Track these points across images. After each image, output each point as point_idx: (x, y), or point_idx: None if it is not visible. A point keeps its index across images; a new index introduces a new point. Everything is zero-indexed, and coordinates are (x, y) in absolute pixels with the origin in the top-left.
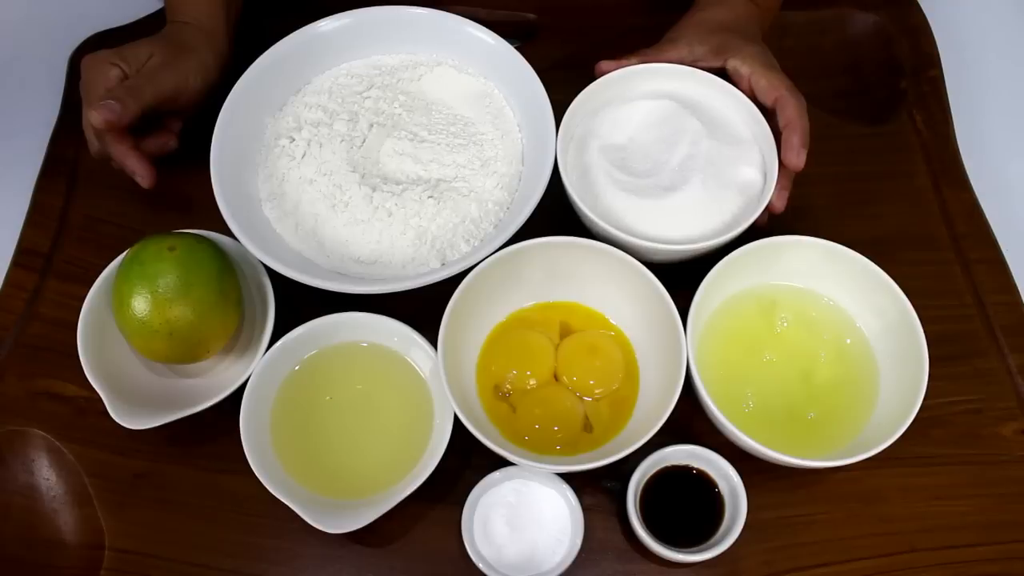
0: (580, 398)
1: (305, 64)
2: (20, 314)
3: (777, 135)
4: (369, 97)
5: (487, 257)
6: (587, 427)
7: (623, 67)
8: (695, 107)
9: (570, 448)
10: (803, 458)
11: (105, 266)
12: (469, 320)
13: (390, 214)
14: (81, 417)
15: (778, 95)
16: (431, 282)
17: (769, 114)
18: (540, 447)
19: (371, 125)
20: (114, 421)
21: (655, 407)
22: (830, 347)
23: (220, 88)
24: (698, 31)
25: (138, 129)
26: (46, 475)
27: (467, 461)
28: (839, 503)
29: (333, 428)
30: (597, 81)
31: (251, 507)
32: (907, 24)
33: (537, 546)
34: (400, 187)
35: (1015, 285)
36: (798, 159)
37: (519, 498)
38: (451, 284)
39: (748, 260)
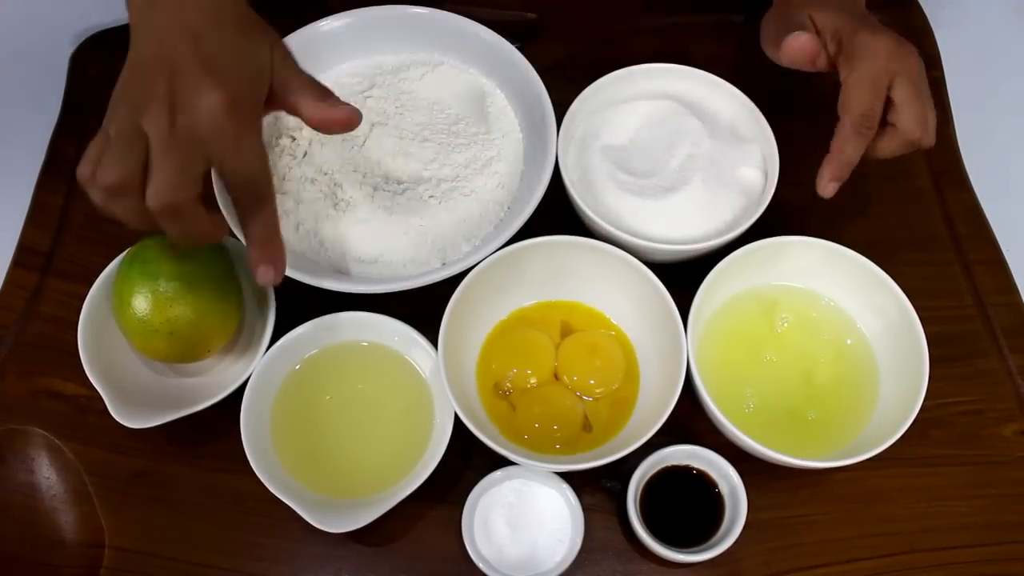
0: (580, 397)
1: (305, 64)
2: (20, 313)
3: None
4: (370, 97)
5: (488, 256)
6: (587, 427)
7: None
8: (696, 107)
9: (569, 447)
10: (803, 458)
11: (106, 265)
12: (469, 319)
13: (391, 214)
14: (81, 416)
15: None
16: (432, 282)
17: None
18: (539, 446)
19: (372, 125)
20: (114, 420)
21: (655, 407)
22: (830, 347)
23: None
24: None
25: None
26: (46, 473)
27: (467, 461)
28: (839, 503)
29: (333, 427)
30: (598, 81)
31: (251, 506)
32: (908, 24)
33: (537, 546)
34: (401, 187)
35: (1015, 286)
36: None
37: (519, 498)
38: (451, 283)
39: (749, 260)
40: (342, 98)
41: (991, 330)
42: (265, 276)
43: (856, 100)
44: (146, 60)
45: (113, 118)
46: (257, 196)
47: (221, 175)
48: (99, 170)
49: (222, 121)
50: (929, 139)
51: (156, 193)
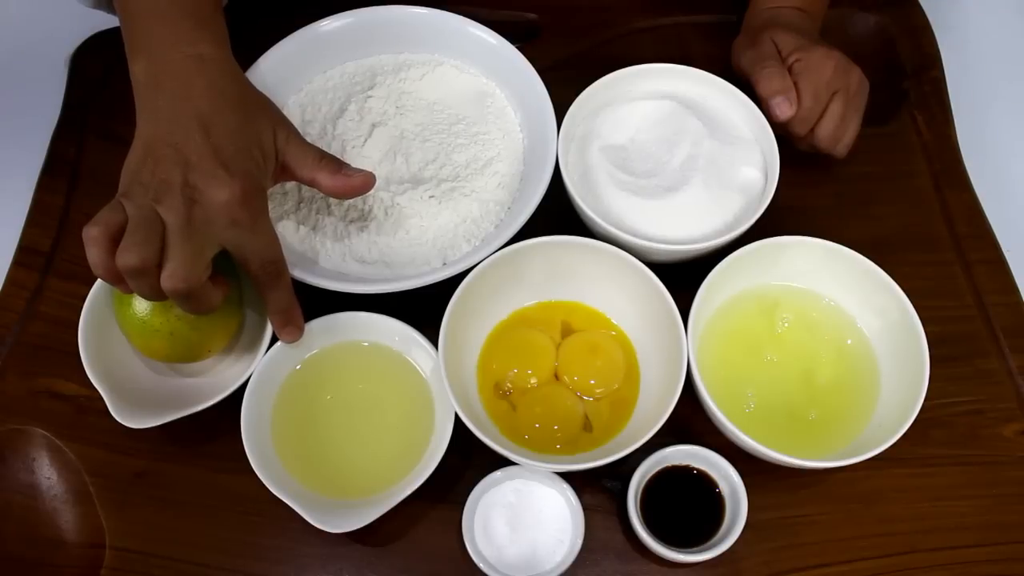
0: (580, 397)
1: (305, 64)
2: (21, 313)
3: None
4: (371, 97)
5: (488, 256)
6: (587, 427)
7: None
8: (696, 107)
9: (570, 447)
10: (804, 459)
11: None
12: (470, 319)
13: (392, 214)
14: (82, 416)
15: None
16: (432, 282)
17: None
18: (540, 446)
19: (372, 125)
20: (115, 420)
21: (656, 407)
22: (831, 347)
23: None
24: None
25: None
26: (47, 474)
27: (468, 461)
28: (840, 504)
29: (334, 427)
30: (598, 81)
31: (252, 506)
32: (908, 24)
33: (537, 546)
34: (402, 187)
35: (1016, 286)
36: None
37: (519, 498)
38: (452, 283)
39: (749, 260)
40: (341, 98)
41: (991, 330)
42: (290, 336)
43: (800, 105)
44: (157, 144)
45: (130, 198)
46: (275, 272)
47: (239, 259)
48: (120, 253)
49: (238, 212)
50: (839, 152)
51: (171, 277)
